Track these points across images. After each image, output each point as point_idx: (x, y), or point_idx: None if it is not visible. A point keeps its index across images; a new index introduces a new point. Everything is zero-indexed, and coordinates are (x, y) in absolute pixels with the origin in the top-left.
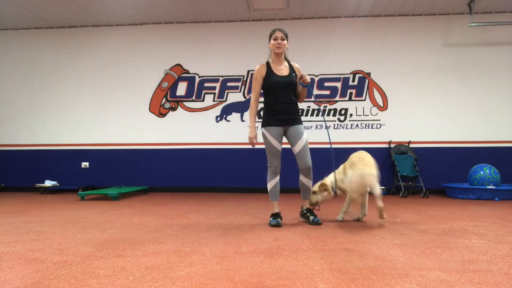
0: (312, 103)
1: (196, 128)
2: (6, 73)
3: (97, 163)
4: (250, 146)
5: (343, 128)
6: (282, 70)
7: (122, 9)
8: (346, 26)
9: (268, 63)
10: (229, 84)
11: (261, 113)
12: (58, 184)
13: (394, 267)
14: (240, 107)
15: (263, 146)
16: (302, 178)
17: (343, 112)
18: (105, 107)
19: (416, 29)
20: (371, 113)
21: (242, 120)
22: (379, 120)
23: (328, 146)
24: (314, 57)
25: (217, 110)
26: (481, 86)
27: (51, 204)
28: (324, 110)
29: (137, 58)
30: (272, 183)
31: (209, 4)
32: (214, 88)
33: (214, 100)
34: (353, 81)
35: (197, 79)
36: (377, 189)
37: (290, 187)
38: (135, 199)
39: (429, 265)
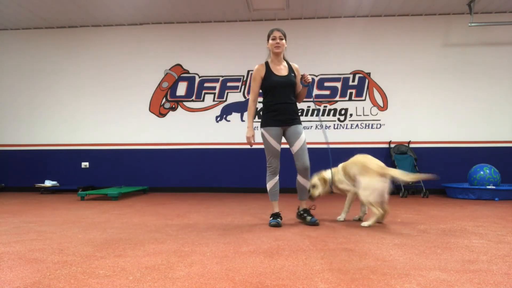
0: (312, 103)
1: (196, 128)
2: (6, 73)
3: (97, 163)
4: (249, 146)
5: (343, 128)
6: (281, 70)
7: (122, 9)
8: (346, 26)
9: (267, 63)
10: (229, 84)
11: (260, 113)
12: (58, 184)
13: (394, 267)
14: (240, 107)
15: (262, 146)
16: (299, 178)
17: (343, 112)
18: (105, 107)
19: (416, 29)
20: (371, 113)
21: (242, 120)
22: (379, 120)
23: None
24: (314, 57)
25: (217, 110)
26: (481, 86)
27: (51, 204)
28: (319, 110)
29: (137, 58)
30: (272, 183)
31: (209, 4)
32: (214, 88)
33: (214, 100)
34: (353, 81)
35: (197, 79)
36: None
37: (290, 187)
38: (135, 199)
39: (429, 265)
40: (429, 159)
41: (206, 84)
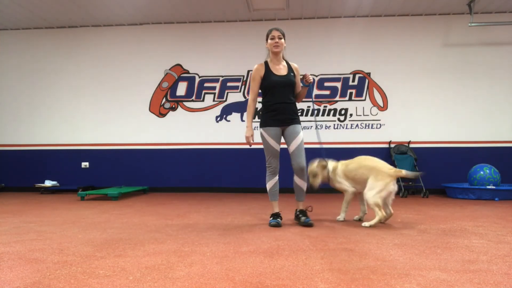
0: (311, 103)
1: (196, 128)
2: (6, 73)
3: (97, 163)
4: (249, 146)
5: (343, 128)
6: (281, 69)
7: (122, 9)
8: (346, 26)
9: (266, 63)
10: (229, 84)
11: (260, 113)
12: (58, 184)
13: (394, 267)
14: (240, 107)
15: (261, 146)
16: (296, 179)
17: (343, 112)
18: (105, 107)
19: (416, 29)
20: (371, 113)
21: (242, 120)
22: (379, 120)
23: (327, 146)
24: (314, 57)
25: (217, 110)
26: (481, 86)
27: (51, 204)
28: (315, 110)
29: (137, 58)
30: (271, 183)
31: (209, 4)
32: (214, 88)
33: (214, 100)
34: (353, 81)
35: (197, 79)
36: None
37: (289, 187)
38: (135, 199)
39: (429, 265)
40: (429, 159)
41: (206, 84)
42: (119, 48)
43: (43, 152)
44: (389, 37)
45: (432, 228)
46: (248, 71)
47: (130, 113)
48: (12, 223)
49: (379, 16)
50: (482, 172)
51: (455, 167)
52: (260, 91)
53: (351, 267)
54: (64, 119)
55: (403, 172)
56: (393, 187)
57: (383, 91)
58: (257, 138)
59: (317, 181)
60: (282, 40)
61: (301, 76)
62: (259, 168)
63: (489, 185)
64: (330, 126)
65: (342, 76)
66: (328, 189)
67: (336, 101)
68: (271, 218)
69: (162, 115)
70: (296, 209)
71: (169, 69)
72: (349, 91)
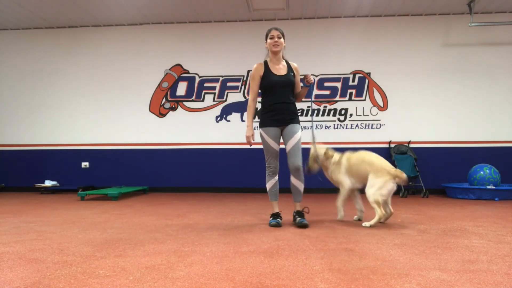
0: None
1: (196, 128)
2: (6, 73)
3: (97, 163)
4: (250, 146)
5: (343, 128)
6: (280, 69)
7: (122, 9)
8: (346, 26)
9: (266, 62)
10: (229, 84)
11: (260, 113)
12: (58, 184)
13: (394, 267)
14: (240, 107)
15: (261, 146)
16: (292, 179)
17: (343, 112)
18: (105, 107)
19: (416, 29)
20: (371, 113)
21: (242, 120)
22: (379, 120)
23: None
24: (314, 57)
25: (217, 110)
26: (481, 86)
27: (51, 204)
28: (313, 110)
29: (137, 58)
30: (271, 183)
31: (209, 4)
32: (214, 88)
33: (214, 100)
34: (353, 81)
35: (197, 79)
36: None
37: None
38: (135, 199)
39: (429, 265)
40: (429, 159)
41: (206, 84)
42: (119, 48)
43: (43, 152)
44: (389, 37)
45: (432, 228)
46: (248, 71)
47: (130, 113)
48: (12, 223)
49: (379, 16)
50: (482, 172)
51: (455, 167)
52: (259, 91)
53: (351, 267)
54: (64, 119)
55: (404, 175)
56: (392, 185)
57: (383, 91)
58: (257, 138)
59: (316, 167)
60: (282, 39)
61: (302, 76)
62: (259, 168)
63: (489, 185)
64: (330, 126)
65: (342, 76)
66: (328, 189)
67: (336, 101)
68: (271, 218)
69: (162, 115)
70: (294, 211)
71: (169, 69)
72: (349, 91)
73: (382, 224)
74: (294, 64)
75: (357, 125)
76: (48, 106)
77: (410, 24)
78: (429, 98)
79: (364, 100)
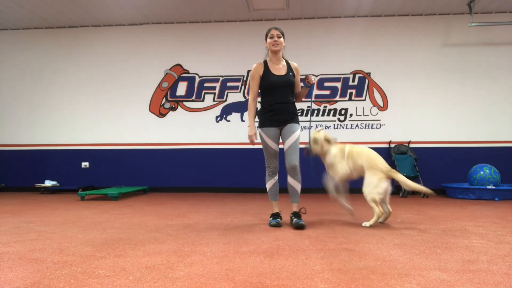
0: (310, 103)
1: (196, 128)
2: (6, 73)
3: (97, 163)
4: (250, 146)
5: (343, 128)
6: (280, 69)
7: (122, 9)
8: (346, 26)
9: (265, 62)
10: (229, 84)
11: (259, 113)
12: (58, 184)
13: (394, 267)
14: (240, 107)
15: (261, 146)
16: (289, 179)
17: (343, 112)
18: (105, 107)
19: (416, 29)
20: (371, 113)
21: (242, 120)
22: (379, 120)
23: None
24: (314, 57)
25: (217, 110)
26: (481, 86)
27: (51, 204)
28: (313, 110)
29: (137, 58)
30: (271, 183)
31: (209, 4)
32: (214, 88)
33: (214, 100)
34: (353, 81)
35: (197, 79)
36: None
37: None
38: (135, 199)
39: (429, 265)
40: (429, 159)
41: (206, 84)
42: (119, 48)
43: (43, 152)
44: (389, 37)
45: (432, 228)
46: (248, 71)
47: (130, 113)
48: (12, 223)
49: (379, 16)
50: (482, 172)
51: (455, 167)
52: (259, 91)
53: (351, 267)
54: (64, 119)
55: (396, 175)
56: (387, 183)
57: (383, 91)
58: (258, 138)
59: (315, 149)
60: (281, 39)
61: (303, 76)
62: (259, 168)
63: (489, 185)
64: (330, 126)
65: (342, 76)
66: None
67: (336, 101)
68: (271, 218)
69: (162, 115)
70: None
71: (169, 69)
72: (349, 91)
73: (382, 224)
74: (294, 64)
75: (357, 125)
76: (48, 106)
77: (410, 24)
78: (429, 98)
79: (364, 100)
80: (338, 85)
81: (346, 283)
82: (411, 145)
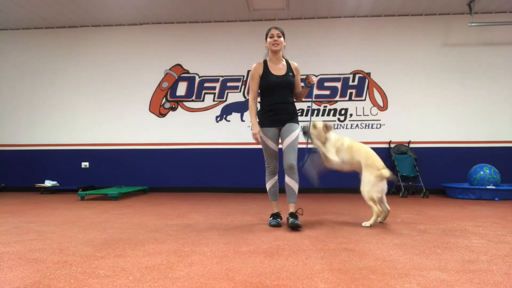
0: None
1: (196, 128)
2: (6, 73)
3: (97, 163)
4: (250, 146)
5: (343, 128)
6: (279, 69)
7: (122, 9)
8: (346, 26)
9: (265, 62)
10: (229, 84)
11: (258, 113)
12: (58, 184)
13: (394, 267)
14: (240, 107)
15: (261, 146)
16: (286, 179)
17: (343, 112)
18: (105, 107)
19: (416, 29)
20: (371, 113)
21: (242, 120)
22: (379, 120)
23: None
24: (314, 57)
25: (217, 110)
26: (481, 86)
27: (51, 204)
28: (307, 110)
29: (137, 58)
30: (270, 183)
31: (209, 4)
32: (214, 88)
33: (214, 100)
34: (353, 81)
35: (197, 79)
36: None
37: None
38: (135, 199)
39: (429, 265)
40: (429, 159)
41: (206, 84)
42: (119, 48)
43: (43, 152)
44: (389, 37)
45: (432, 228)
46: (248, 71)
47: (130, 113)
48: (12, 223)
49: (379, 16)
50: (482, 172)
51: (455, 167)
52: (258, 91)
53: (351, 267)
54: (64, 119)
55: (388, 174)
56: (384, 182)
57: (383, 91)
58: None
59: (313, 132)
60: (281, 38)
61: (304, 76)
62: (259, 168)
63: (489, 185)
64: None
65: (342, 76)
66: (328, 189)
67: (336, 101)
68: (271, 218)
69: (162, 115)
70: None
71: (169, 69)
72: (349, 91)
73: (382, 224)
74: (294, 64)
75: (357, 125)
76: (48, 106)
77: (410, 24)
78: (429, 98)
79: (364, 100)
80: (338, 85)
81: (346, 283)
82: (411, 145)
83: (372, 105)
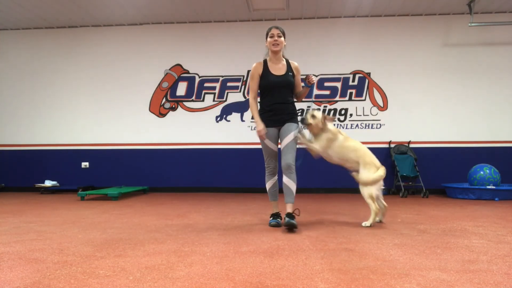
0: (312, 103)
1: (196, 128)
2: (6, 73)
3: (97, 163)
4: (250, 146)
5: (343, 128)
6: (279, 69)
7: (122, 9)
8: (346, 26)
9: (265, 61)
10: (229, 84)
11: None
12: (58, 184)
13: (394, 267)
14: (240, 107)
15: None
16: (284, 178)
17: (343, 112)
18: (105, 107)
19: (416, 29)
20: (371, 113)
21: (242, 120)
22: (379, 120)
23: None
24: (314, 57)
25: (217, 110)
26: (481, 86)
27: (51, 204)
28: (307, 110)
29: (137, 58)
30: (270, 183)
31: (209, 4)
32: (214, 88)
33: (214, 100)
34: (353, 81)
35: (197, 79)
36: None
37: None
38: (135, 199)
39: (429, 265)
40: (429, 159)
41: (206, 84)
42: (119, 48)
43: (43, 152)
44: (389, 37)
45: (432, 228)
46: (248, 71)
47: (130, 113)
48: (12, 223)
49: (379, 16)
50: (482, 172)
51: (455, 167)
52: (258, 90)
53: (351, 267)
54: (64, 119)
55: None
56: (381, 180)
57: (383, 91)
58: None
59: (311, 121)
60: (282, 38)
61: (304, 76)
62: (259, 168)
63: (489, 185)
64: None
65: (342, 76)
66: (328, 189)
67: (336, 101)
68: (271, 218)
69: (162, 115)
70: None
71: (169, 69)
72: (349, 91)
73: (382, 224)
74: (294, 64)
75: (357, 125)
76: (48, 106)
77: (410, 24)
78: (429, 98)
79: (364, 100)
80: (338, 85)
81: (346, 283)
82: (411, 145)
83: (372, 105)
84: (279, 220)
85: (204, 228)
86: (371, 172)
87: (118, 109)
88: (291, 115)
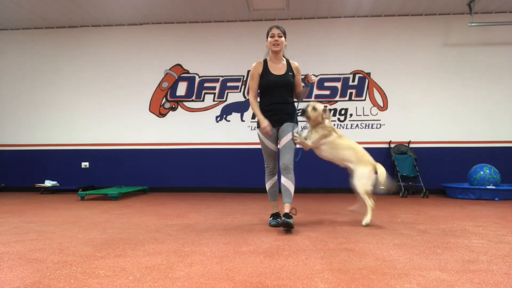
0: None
1: (196, 128)
2: (6, 73)
3: (97, 163)
4: (250, 146)
5: (343, 128)
6: (279, 68)
7: (122, 9)
8: (346, 26)
9: (265, 61)
10: (229, 84)
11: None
12: (58, 184)
13: (394, 267)
14: (240, 107)
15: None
16: (282, 179)
17: (343, 112)
18: (105, 107)
19: (416, 29)
20: (371, 113)
21: (242, 120)
22: (379, 120)
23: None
24: (314, 57)
25: (217, 110)
26: (481, 86)
27: (51, 204)
28: (300, 109)
29: (137, 58)
30: (270, 183)
31: (209, 4)
32: (214, 88)
33: (214, 100)
34: (353, 81)
35: (197, 79)
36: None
37: None
38: (135, 199)
39: (429, 265)
40: (429, 159)
41: (206, 84)
42: (119, 48)
43: (43, 152)
44: (389, 37)
45: (432, 228)
46: (248, 71)
47: (130, 113)
48: (12, 223)
49: (379, 16)
50: (482, 172)
51: (455, 167)
52: (258, 90)
53: (351, 267)
54: (64, 119)
55: (382, 168)
56: (374, 175)
57: (383, 91)
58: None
59: (311, 114)
60: (282, 38)
61: (303, 76)
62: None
63: (489, 185)
64: None
65: (342, 76)
66: (328, 189)
67: (336, 101)
68: (271, 218)
69: (162, 115)
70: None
71: (169, 69)
72: (349, 91)
73: (382, 224)
74: (295, 63)
75: (357, 125)
76: (48, 106)
77: (410, 24)
78: (429, 98)
79: (364, 100)
80: (338, 85)
81: (346, 283)
82: (411, 145)
83: (372, 105)
84: (279, 220)
85: (204, 228)
86: (368, 170)
87: (118, 109)
88: (290, 115)
